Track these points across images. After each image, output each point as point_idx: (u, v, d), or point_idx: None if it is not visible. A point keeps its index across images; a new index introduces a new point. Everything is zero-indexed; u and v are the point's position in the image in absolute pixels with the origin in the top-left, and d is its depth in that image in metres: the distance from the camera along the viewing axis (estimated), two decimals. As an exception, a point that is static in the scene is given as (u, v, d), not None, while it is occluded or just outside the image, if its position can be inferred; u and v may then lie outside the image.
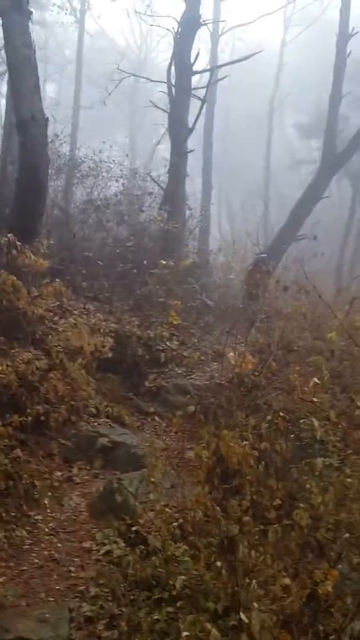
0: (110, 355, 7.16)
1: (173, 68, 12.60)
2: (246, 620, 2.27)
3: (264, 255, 10.45)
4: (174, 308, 9.10)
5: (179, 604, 3.44)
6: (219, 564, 3.36)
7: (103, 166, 12.06)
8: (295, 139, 31.07)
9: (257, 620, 2.16)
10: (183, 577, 3.08)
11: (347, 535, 3.36)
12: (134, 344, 8.12)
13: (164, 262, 9.47)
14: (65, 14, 22.18)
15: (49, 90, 31.02)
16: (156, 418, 7.12)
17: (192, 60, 12.50)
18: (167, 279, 9.91)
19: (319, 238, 12.58)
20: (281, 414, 3.56)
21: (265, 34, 31.47)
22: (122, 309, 9.15)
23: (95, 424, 6.31)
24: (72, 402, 6.18)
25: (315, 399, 3.56)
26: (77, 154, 13.64)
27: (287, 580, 2.37)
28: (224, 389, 6.31)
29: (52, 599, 3.88)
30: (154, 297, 9.57)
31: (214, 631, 2.34)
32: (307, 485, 3.77)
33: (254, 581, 2.63)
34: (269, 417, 4.22)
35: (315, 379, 3.11)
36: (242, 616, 2.34)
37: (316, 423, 3.10)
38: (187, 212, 12.92)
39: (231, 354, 3.62)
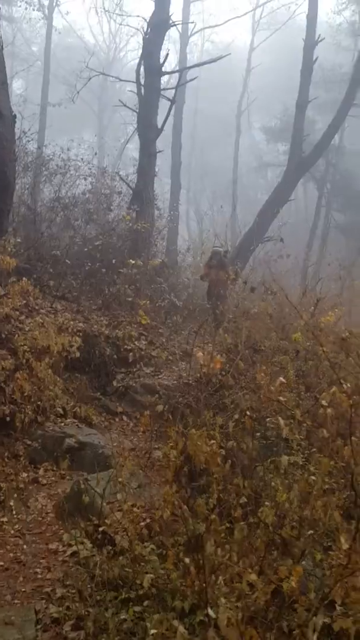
0: (78, 355, 7.10)
1: (142, 68, 12.59)
2: (214, 616, 2.29)
3: (219, 248, 10.28)
4: (143, 308, 9.10)
5: (146, 603, 3.44)
6: (186, 561, 3.38)
7: (71, 164, 11.96)
8: (263, 141, 31.44)
9: (225, 615, 2.18)
10: (150, 576, 3.07)
11: (310, 532, 3.42)
12: (102, 343, 8.08)
13: (133, 262, 9.45)
14: (33, 9, 21.90)
15: (15, 87, 30.56)
16: (124, 418, 7.10)
17: (161, 60, 12.51)
18: (135, 279, 9.90)
19: (285, 240, 12.79)
20: (248, 412, 3.59)
21: (234, 37, 32.06)
22: (90, 309, 9.10)
23: (62, 424, 6.25)
24: (39, 403, 6.11)
25: (281, 398, 3.61)
26: (44, 151, 13.45)
27: (253, 577, 2.39)
28: (192, 389, 6.33)
29: (17, 601, 3.82)
30: (122, 296, 9.54)
31: (181, 628, 2.35)
32: (273, 483, 3.82)
33: (220, 578, 2.65)
34: (236, 416, 4.27)
35: (282, 378, 3.15)
36: (210, 612, 2.36)
37: (282, 422, 3.14)
38: (156, 212, 12.92)
39: (200, 353, 3.63)
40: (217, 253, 9.78)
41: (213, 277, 9.45)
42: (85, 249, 10.35)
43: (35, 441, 5.80)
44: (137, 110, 12.64)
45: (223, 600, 2.36)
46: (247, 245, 13.81)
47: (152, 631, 2.60)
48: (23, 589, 3.95)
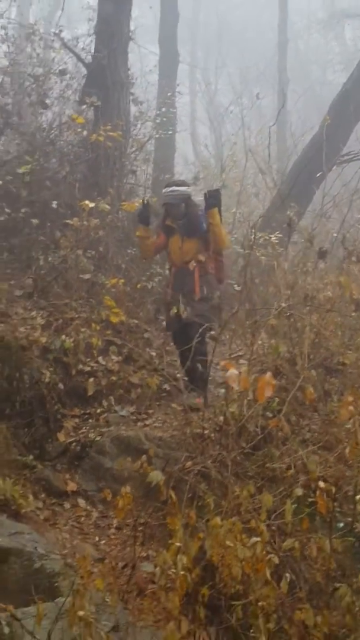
0: (-10, 383, 7.16)
1: None
2: None
3: (180, 188, 8.41)
4: (112, 292, 9.14)
5: None
6: None
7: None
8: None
9: None
10: None
11: None
12: (36, 361, 8.14)
13: (91, 205, 9.49)
14: None
15: None
16: (80, 501, 7.16)
17: None
18: (97, 237, 9.95)
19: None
20: (321, 485, 3.64)
21: None
22: (10, 295, 9.16)
23: (-36, 515, 6.31)
24: None
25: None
26: None
27: None
28: (211, 444, 6.39)
29: None
30: (72, 271, 9.59)
31: None
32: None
33: None
34: (298, 492, 4.33)
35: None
36: None
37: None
38: (133, 109, 12.97)
39: (233, 370, 3.63)
40: (173, 196, 8.34)
41: (173, 256, 8.52)
42: (0, 182, 10.40)
43: None
44: None
45: None
46: (310, 170, 13.84)
47: None
48: None
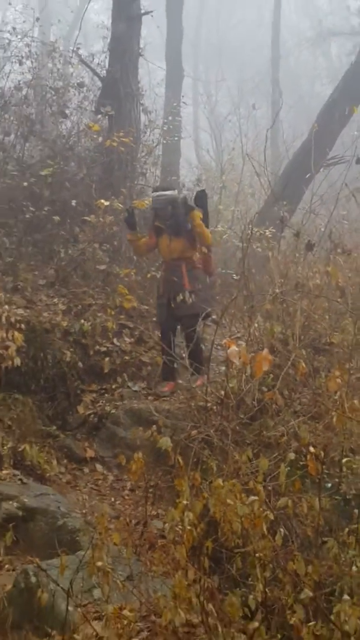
0: (17, 362, 7.16)
1: None
2: None
3: (167, 193, 8.27)
4: (125, 281, 9.14)
5: None
6: None
7: (-3, 38, 11.97)
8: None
9: None
10: None
11: None
12: (58, 342, 8.15)
13: (107, 203, 9.48)
14: None
15: None
16: (98, 466, 7.18)
17: None
18: (112, 232, 9.93)
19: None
20: (311, 449, 3.65)
21: None
22: (35, 284, 9.16)
23: (-5, 478, 6.34)
24: None
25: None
26: None
27: None
28: (213, 416, 6.41)
29: None
30: (89, 262, 9.59)
31: None
32: (355, 568, 3.89)
33: None
34: (291, 456, 4.34)
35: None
36: None
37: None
38: (143, 118, 12.92)
39: (234, 347, 3.64)
40: (160, 200, 8.18)
41: (163, 253, 8.39)
42: (25, 184, 10.37)
43: None
44: None
45: None
46: (300, 171, 13.79)
47: None
48: None
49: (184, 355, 8.27)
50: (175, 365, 8.21)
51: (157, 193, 8.23)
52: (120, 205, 9.78)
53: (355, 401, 3.38)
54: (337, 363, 6.27)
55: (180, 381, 8.23)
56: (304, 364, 5.17)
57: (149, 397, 7.98)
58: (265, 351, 3.51)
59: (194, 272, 8.19)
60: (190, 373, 7.94)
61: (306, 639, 3.33)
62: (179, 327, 8.26)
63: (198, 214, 8.13)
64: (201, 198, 8.37)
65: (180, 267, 8.04)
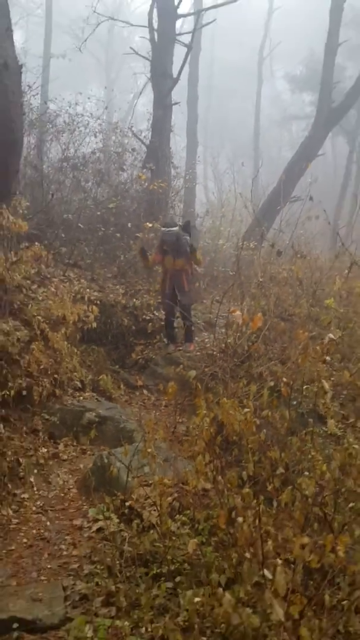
0: (94, 325, 7.16)
1: (155, 11, 12.32)
2: (270, 577, 2.36)
3: (172, 228, 7.86)
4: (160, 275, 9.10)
5: (178, 579, 3.55)
6: (219, 536, 3.46)
7: (79, 120, 11.80)
8: (287, 91, 30.81)
9: (282, 576, 2.25)
10: (195, 541, 3.16)
11: (351, 504, 3.48)
12: (119, 313, 8.15)
13: (150, 225, 9.43)
14: None
15: (14, 38, 30.12)
16: (145, 391, 7.20)
17: (176, 2, 12.23)
18: (153, 244, 9.88)
19: (314, 199, 12.59)
20: (284, 379, 3.62)
21: (254, -25, 30.95)
22: (105, 277, 9.14)
23: (81, 398, 6.36)
24: (56, 375, 6.20)
25: (323, 364, 3.63)
26: (50, 107, 13.31)
27: (305, 540, 2.45)
28: (217, 360, 6.39)
29: (44, 578, 3.96)
30: (139, 263, 9.55)
31: (227, 595, 2.43)
32: (310, 455, 3.87)
33: (270, 543, 2.72)
34: (271, 384, 4.31)
35: (331, 335, 3.15)
36: (266, 573, 2.44)
37: (326, 385, 3.15)
38: (172, 172, 12.80)
39: (237, 312, 3.65)
40: (169, 234, 7.81)
41: (167, 266, 7.90)
42: (98, 213, 10.34)
43: (54, 415, 5.91)
44: (150, 58, 12.41)
45: (279, 561, 2.43)
46: (273, 205, 13.64)
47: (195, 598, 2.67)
48: (49, 566, 4.08)
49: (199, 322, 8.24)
50: (175, 332, 8.21)
51: (167, 229, 7.89)
52: (158, 226, 9.71)
53: (318, 347, 3.31)
54: (298, 326, 6.21)
55: (197, 338, 8.20)
56: (283, 324, 5.12)
57: (178, 348, 7.95)
58: (259, 314, 3.46)
59: (188, 278, 7.98)
60: (186, 340, 7.93)
61: (282, 499, 3.30)
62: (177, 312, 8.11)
63: (195, 252, 7.87)
64: (187, 226, 8.07)
65: (181, 275, 7.81)
